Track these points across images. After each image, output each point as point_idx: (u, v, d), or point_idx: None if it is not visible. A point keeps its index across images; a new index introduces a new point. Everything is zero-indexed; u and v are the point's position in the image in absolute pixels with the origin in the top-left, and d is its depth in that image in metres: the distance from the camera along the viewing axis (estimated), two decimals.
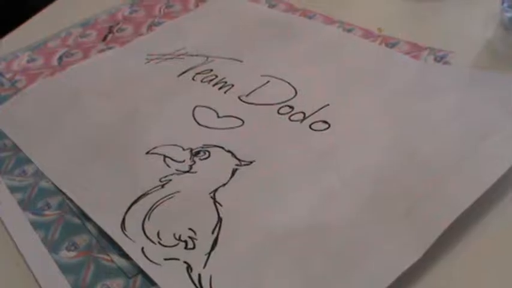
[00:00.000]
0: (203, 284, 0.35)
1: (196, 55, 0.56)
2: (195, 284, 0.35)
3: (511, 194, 0.37)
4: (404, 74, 0.48)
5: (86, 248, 0.40)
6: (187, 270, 0.36)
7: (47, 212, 0.44)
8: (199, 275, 0.35)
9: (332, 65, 0.51)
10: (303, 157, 0.43)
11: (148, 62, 0.57)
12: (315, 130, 0.45)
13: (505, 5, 0.49)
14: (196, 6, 0.65)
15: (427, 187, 0.38)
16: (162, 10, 0.66)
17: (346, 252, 0.35)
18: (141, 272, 0.37)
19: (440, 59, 0.49)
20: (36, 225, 0.43)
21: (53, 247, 0.41)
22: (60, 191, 0.45)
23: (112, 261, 0.39)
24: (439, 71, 0.48)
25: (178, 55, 0.57)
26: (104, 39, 0.63)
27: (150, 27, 0.63)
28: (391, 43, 0.52)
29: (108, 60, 0.59)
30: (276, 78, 0.51)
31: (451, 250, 0.35)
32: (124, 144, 0.47)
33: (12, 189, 0.46)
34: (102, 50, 0.61)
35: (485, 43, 0.50)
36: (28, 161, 0.48)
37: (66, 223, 0.43)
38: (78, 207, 0.43)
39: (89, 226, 0.41)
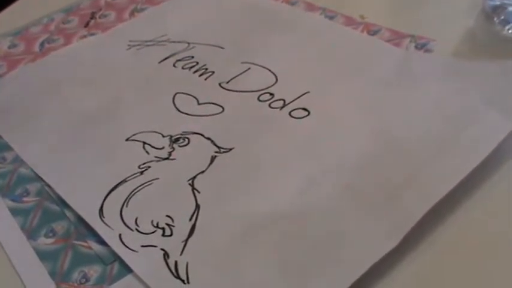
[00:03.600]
0: (179, 271, 0.35)
1: (178, 42, 0.56)
2: (171, 271, 0.35)
3: (488, 183, 0.37)
4: (385, 62, 0.48)
5: (64, 235, 0.40)
6: (164, 257, 0.36)
7: (25, 199, 0.43)
8: (176, 262, 0.35)
9: (313, 53, 0.51)
10: (283, 144, 0.43)
11: (129, 48, 0.57)
12: (295, 118, 0.45)
13: None
14: None
15: (406, 176, 0.38)
16: None
17: (324, 239, 0.35)
18: (119, 258, 0.37)
19: (422, 46, 0.49)
20: (15, 212, 0.43)
21: (31, 234, 0.41)
22: (40, 177, 0.44)
23: (90, 248, 0.39)
24: (421, 59, 0.48)
25: (160, 41, 0.57)
26: (86, 25, 0.62)
27: (132, 14, 0.63)
28: (373, 30, 0.52)
29: (89, 46, 0.58)
30: (257, 65, 0.51)
31: (428, 239, 0.35)
32: (104, 132, 0.47)
33: None
34: (84, 36, 0.61)
35: (467, 32, 0.50)
36: (8, 147, 0.48)
37: (45, 210, 0.43)
38: (57, 194, 0.43)
39: (68, 213, 0.41)
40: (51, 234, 0.40)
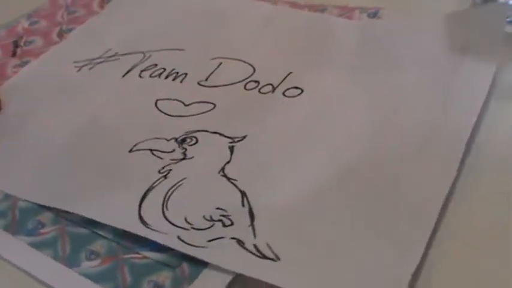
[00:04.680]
0: (264, 252, 0.35)
1: (130, 53, 0.55)
2: (256, 255, 0.35)
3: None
4: (350, 35, 0.51)
5: (109, 253, 0.39)
6: (240, 244, 0.36)
7: (43, 231, 0.41)
8: (255, 245, 0.36)
9: (277, 38, 0.53)
10: (292, 120, 0.45)
11: (79, 69, 0.55)
12: (290, 96, 0.47)
13: None
14: (102, 7, 0.63)
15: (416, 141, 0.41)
16: (64, 17, 0.63)
17: (382, 191, 0.38)
18: (185, 259, 0.37)
19: (374, 15, 0.53)
20: (38, 246, 0.40)
21: (69, 262, 0.38)
22: (46, 207, 0.42)
23: (146, 257, 0.38)
24: (383, 26, 0.52)
25: (109, 57, 0.55)
26: (13, 54, 0.59)
27: (61, 35, 0.60)
28: (320, 10, 0.55)
29: (35, 74, 0.55)
30: (228, 58, 0.52)
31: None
32: (99, 149, 0.46)
33: None
34: (17, 66, 0.57)
35: None
36: None
37: (72, 235, 0.40)
38: (79, 217, 0.41)
39: (102, 232, 0.40)
40: (93, 256, 0.39)
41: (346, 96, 0.46)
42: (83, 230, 0.40)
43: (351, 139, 0.42)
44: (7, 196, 0.44)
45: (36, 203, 0.43)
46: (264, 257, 0.35)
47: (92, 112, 0.49)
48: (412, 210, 0.36)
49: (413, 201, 0.37)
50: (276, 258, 0.35)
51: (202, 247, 0.37)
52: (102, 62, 0.55)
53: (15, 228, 0.41)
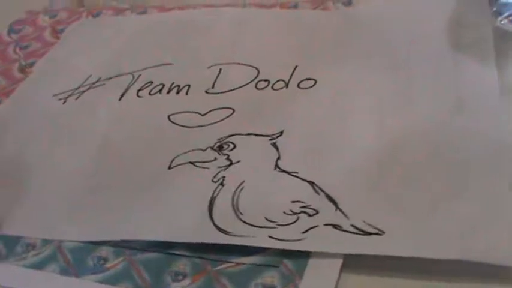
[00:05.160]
0: (365, 229, 0.36)
1: (116, 76, 0.53)
2: (358, 233, 0.36)
3: None
4: (338, 23, 0.53)
5: (195, 270, 0.37)
6: (337, 228, 0.36)
7: (108, 265, 0.39)
8: (353, 225, 0.36)
9: (264, 38, 0.53)
10: (319, 108, 0.45)
11: (64, 101, 0.52)
12: (306, 88, 0.47)
13: None
14: (56, 37, 0.60)
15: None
16: (18, 52, 0.59)
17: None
18: (282, 256, 0.36)
19: (348, 4, 0.55)
20: (111, 281, 0.37)
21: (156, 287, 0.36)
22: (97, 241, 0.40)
23: (241, 264, 0.37)
24: (366, 11, 0.53)
25: (94, 83, 0.53)
26: None
27: (23, 70, 0.57)
28: (292, 6, 0.56)
29: (12, 114, 0.52)
30: (225, 64, 0.51)
31: None
32: (131, 173, 0.44)
33: (37, 266, 0.39)
34: None
35: None
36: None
37: (144, 263, 0.38)
38: (141, 244, 0.39)
39: (180, 251, 0.38)
40: (180, 277, 0.37)
41: (360, 82, 0.47)
42: (154, 255, 0.38)
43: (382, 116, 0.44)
44: (45, 240, 0.41)
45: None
46: (368, 233, 0.36)
47: (101, 139, 0.47)
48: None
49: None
50: (381, 232, 0.35)
51: (299, 240, 0.36)
52: (88, 89, 0.52)
53: (75, 270, 0.39)
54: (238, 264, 0.37)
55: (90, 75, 0.54)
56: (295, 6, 0.57)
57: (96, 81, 0.53)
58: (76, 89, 0.52)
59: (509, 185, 0.36)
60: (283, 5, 0.57)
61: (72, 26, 0.61)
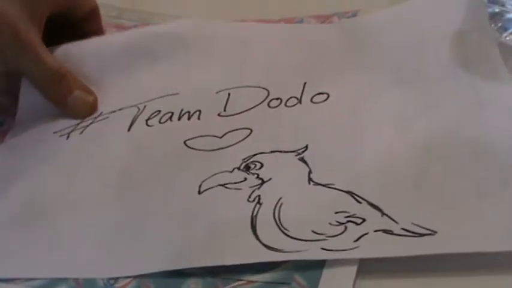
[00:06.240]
0: (418, 231, 0.36)
1: (120, 109, 0.51)
2: (411, 236, 0.36)
3: None
4: (344, 37, 0.53)
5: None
6: (389, 233, 0.37)
7: (118, 285, 0.38)
8: (405, 229, 0.37)
9: (270, 56, 0.53)
10: (337, 120, 0.46)
11: (67, 136, 0.50)
12: (319, 102, 0.48)
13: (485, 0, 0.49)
14: None
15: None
16: None
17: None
18: (295, 271, 0.36)
19: (353, 17, 0.55)
20: None
21: None
22: None
23: (252, 281, 0.37)
24: (371, 23, 0.54)
25: (96, 117, 0.51)
26: None
27: None
28: (296, 22, 0.56)
29: (20, 152, 0.49)
30: (234, 88, 0.51)
31: None
32: (162, 204, 0.43)
33: (46, 287, 0.38)
34: None
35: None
36: None
37: (157, 281, 0.38)
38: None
39: (190, 270, 0.37)
40: None
41: (375, 92, 0.47)
42: (165, 274, 0.38)
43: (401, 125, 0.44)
44: None
45: None
46: (421, 235, 0.36)
47: (119, 172, 0.46)
48: None
49: None
50: (433, 232, 0.36)
51: (354, 248, 0.36)
52: (91, 123, 0.51)
53: None
54: (249, 282, 0.36)
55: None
56: (301, 22, 0.57)
57: (99, 115, 0.51)
58: (77, 124, 0.51)
59: None
60: (288, 20, 0.57)
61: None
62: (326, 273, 0.36)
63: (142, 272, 0.38)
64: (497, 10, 0.47)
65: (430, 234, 0.36)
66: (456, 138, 0.41)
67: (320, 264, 0.36)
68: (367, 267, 0.35)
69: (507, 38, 0.46)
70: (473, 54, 0.47)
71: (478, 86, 0.44)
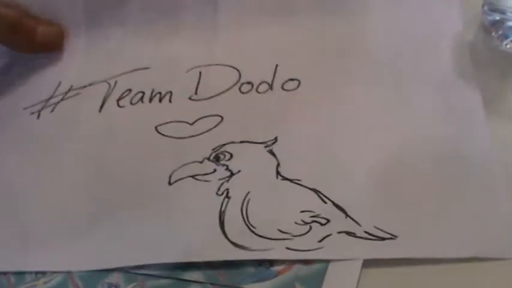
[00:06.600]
0: (378, 234, 0.38)
1: (90, 85, 0.51)
2: (373, 239, 0.37)
3: None
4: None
5: None
6: (351, 235, 0.38)
7: None
8: (367, 232, 0.38)
9: (244, 29, 0.52)
10: (308, 112, 0.46)
11: (38, 115, 0.50)
12: (290, 90, 0.48)
13: (486, 7, 0.48)
14: None
15: None
16: None
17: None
18: (297, 280, 0.37)
19: None
20: None
21: None
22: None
23: None
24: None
25: (66, 93, 0.51)
26: None
27: None
28: None
29: None
30: (205, 65, 0.50)
31: None
32: (131, 195, 0.43)
33: None
34: None
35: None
36: None
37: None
38: (153, 269, 0.39)
39: (189, 277, 0.38)
40: None
41: (347, 81, 0.47)
42: (166, 281, 0.38)
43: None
44: None
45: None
46: (382, 238, 0.37)
47: (90, 160, 0.46)
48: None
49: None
50: (394, 236, 0.37)
51: (318, 248, 0.37)
52: (61, 100, 0.50)
53: None
54: None
55: (60, 83, 0.51)
56: None
57: (69, 90, 0.51)
58: (48, 99, 0.50)
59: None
60: None
61: None
62: (327, 282, 0.36)
63: (110, 266, 0.39)
64: (497, 18, 0.46)
65: (391, 238, 0.37)
66: (421, 144, 0.42)
67: (321, 273, 0.36)
68: (368, 277, 0.36)
69: (507, 46, 0.46)
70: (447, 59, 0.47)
71: (444, 90, 0.45)
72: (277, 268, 0.37)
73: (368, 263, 0.37)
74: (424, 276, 0.36)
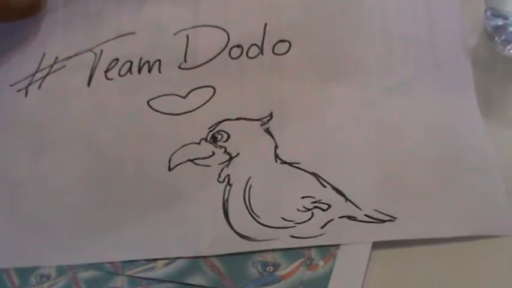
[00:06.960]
0: (379, 217, 0.39)
1: (76, 55, 0.49)
2: (373, 222, 0.39)
3: None
4: None
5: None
6: (353, 219, 0.39)
7: None
8: (367, 215, 0.39)
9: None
10: (300, 80, 0.45)
11: (26, 93, 0.48)
12: (280, 54, 0.47)
13: (489, 13, 0.47)
14: None
15: None
16: None
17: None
18: (302, 284, 0.38)
19: None
20: None
21: None
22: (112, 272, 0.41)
23: None
24: None
25: (52, 66, 0.49)
26: None
27: None
28: None
29: None
30: (191, 28, 0.48)
31: None
32: (132, 182, 0.43)
33: None
34: None
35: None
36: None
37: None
38: (157, 274, 0.40)
39: (192, 281, 0.39)
40: None
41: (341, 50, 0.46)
42: (171, 285, 0.39)
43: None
44: (60, 270, 0.41)
45: (100, 270, 0.41)
46: (382, 221, 0.39)
47: (85, 144, 0.46)
48: None
49: None
50: (393, 218, 0.39)
51: (320, 235, 0.39)
52: (48, 74, 0.49)
53: None
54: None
55: (44, 54, 0.50)
56: None
57: (54, 63, 0.49)
58: (34, 74, 0.49)
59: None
60: None
61: None
62: (332, 285, 0.37)
63: (110, 260, 0.40)
64: (500, 23, 0.46)
65: (390, 220, 0.39)
66: (419, 126, 0.42)
67: (326, 277, 0.37)
68: (373, 280, 0.38)
69: (511, 51, 0.46)
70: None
71: (442, 74, 0.45)
72: (281, 273, 0.38)
73: (372, 266, 0.38)
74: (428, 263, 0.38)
